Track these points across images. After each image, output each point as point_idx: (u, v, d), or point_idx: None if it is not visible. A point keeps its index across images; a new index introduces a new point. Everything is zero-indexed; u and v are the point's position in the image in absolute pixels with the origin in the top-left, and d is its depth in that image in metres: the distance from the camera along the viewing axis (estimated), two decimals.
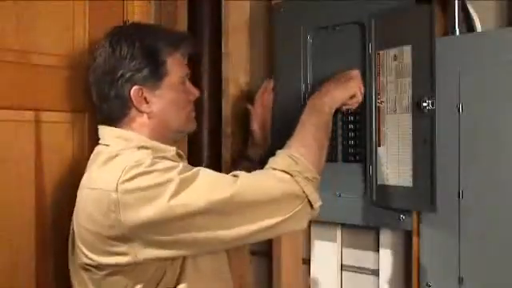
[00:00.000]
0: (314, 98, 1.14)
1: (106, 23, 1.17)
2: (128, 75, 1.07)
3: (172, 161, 1.04)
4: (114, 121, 1.11)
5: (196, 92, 1.19)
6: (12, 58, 1.22)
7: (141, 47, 1.07)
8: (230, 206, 0.96)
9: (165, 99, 1.11)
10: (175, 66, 1.11)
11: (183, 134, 1.23)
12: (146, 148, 1.05)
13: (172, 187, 0.94)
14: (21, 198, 1.24)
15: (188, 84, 1.17)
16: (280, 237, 1.36)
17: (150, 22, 1.50)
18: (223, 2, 1.49)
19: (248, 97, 1.49)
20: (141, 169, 0.96)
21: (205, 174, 0.99)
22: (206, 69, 1.52)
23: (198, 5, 1.53)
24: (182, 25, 1.52)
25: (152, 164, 0.98)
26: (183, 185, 0.95)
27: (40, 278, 1.27)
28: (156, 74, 1.08)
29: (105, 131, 1.11)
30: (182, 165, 1.00)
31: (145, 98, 1.09)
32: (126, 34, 1.09)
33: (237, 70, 1.49)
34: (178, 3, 1.51)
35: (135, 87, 1.07)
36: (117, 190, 0.95)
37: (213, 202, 0.95)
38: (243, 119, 1.49)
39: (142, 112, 1.09)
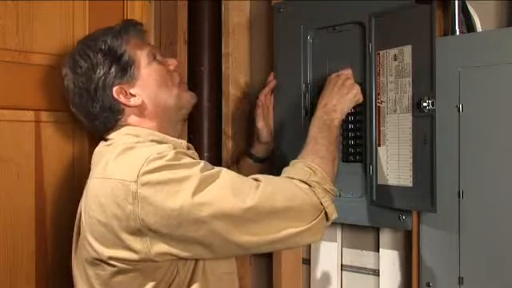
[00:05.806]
0: (322, 113, 1.12)
1: (105, 23, 1.17)
2: (101, 83, 1.06)
3: (192, 158, 1.02)
4: (113, 129, 1.10)
5: (172, 60, 1.17)
6: (12, 58, 1.23)
7: (96, 53, 1.07)
8: (251, 213, 0.94)
9: (147, 83, 1.09)
10: (136, 50, 1.10)
11: (187, 110, 1.19)
12: (158, 142, 1.04)
13: (194, 183, 0.92)
14: (21, 197, 1.24)
15: (160, 58, 1.15)
16: None
17: (150, 22, 1.51)
18: (223, 2, 1.49)
19: (249, 97, 1.49)
20: (163, 161, 0.94)
21: (227, 176, 0.97)
22: (206, 69, 1.52)
23: (198, 5, 1.53)
24: (182, 25, 1.52)
25: (175, 158, 0.96)
26: (205, 182, 0.93)
27: (40, 278, 1.27)
28: (124, 66, 1.07)
29: (111, 134, 1.09)
30: (203, 162, 0.98)
31: (130, 93, 1.08)
32: (77, 53, 1.09)
33: (237, 70, 1.49)
34: (178, 3, 1.51)
35: (115, 88, 1.07)
36: (137, 181, 0.93)
37: (234, 207, 0.93)
38: (244, 119, 1.49)
39: (133, 107, 1.08)
